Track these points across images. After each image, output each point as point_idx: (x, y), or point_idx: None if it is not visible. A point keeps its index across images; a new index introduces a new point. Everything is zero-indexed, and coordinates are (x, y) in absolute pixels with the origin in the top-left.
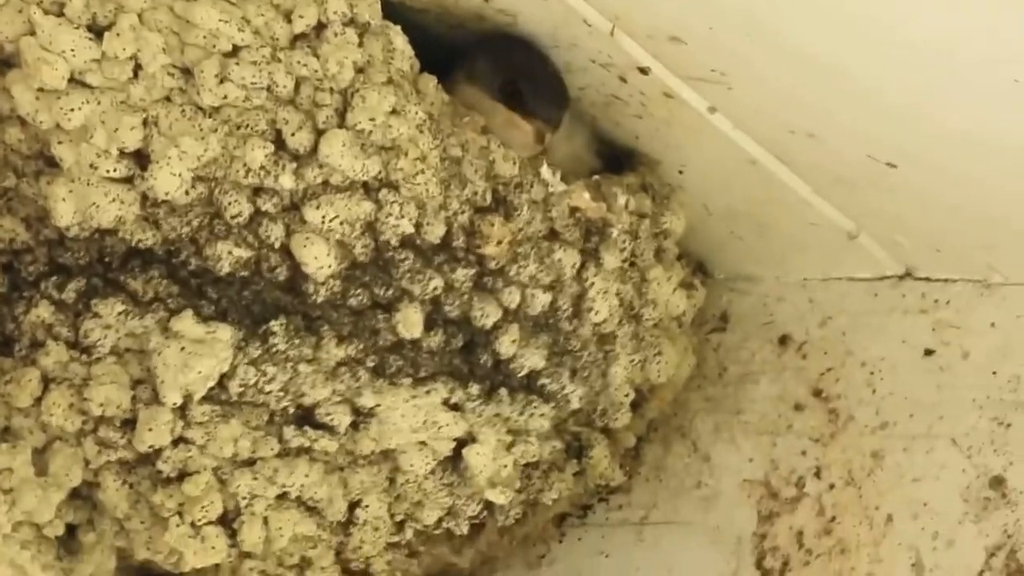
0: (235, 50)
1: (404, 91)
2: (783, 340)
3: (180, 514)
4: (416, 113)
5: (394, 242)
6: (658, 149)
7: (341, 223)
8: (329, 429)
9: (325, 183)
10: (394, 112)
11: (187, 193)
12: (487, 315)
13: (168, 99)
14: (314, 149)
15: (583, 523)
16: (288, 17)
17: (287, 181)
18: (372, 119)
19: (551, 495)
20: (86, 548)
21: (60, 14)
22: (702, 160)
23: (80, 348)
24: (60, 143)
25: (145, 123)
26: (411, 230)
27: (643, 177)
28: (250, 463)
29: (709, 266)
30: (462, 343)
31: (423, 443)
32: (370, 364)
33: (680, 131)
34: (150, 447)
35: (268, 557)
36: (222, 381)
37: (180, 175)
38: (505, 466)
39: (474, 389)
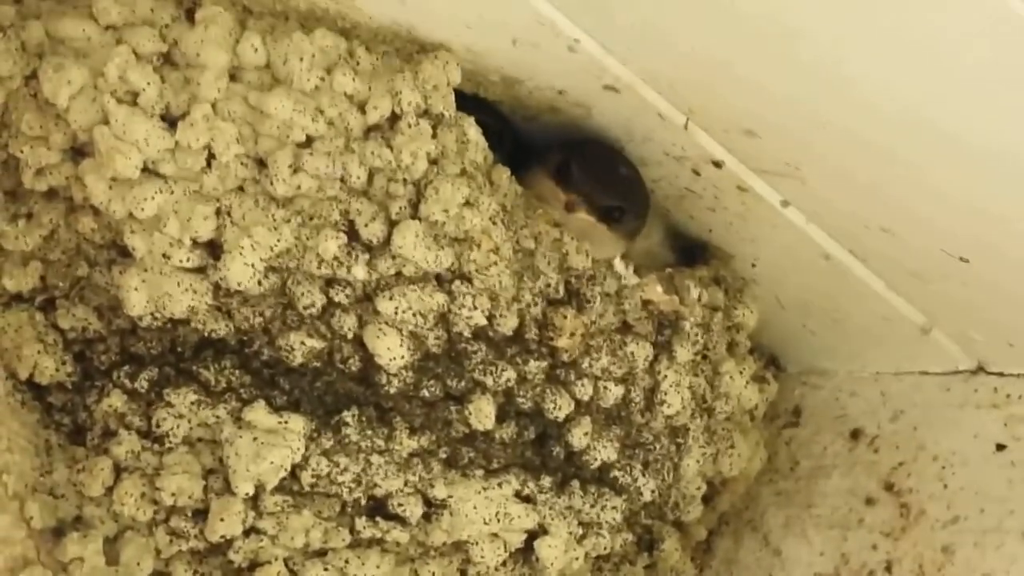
0: (308, 140)
1: (478, 183)
2: (855, 434)
3: None
4: (489, 205)
5: (467, 334)
6: (731, 242)
7: (414, 314)
8: (401, 520)
9: (398, 274)
10: (467, 204)
11: (260, 283)
12: (560, 407)
13: (241, 189)
14: (387, 240)
15: None
16: (362, 108)
17: (360, 272)
18: (446, 210)
19: None
20: None
21: (134, 103)
22: (775, 253)
23: (152, 437)
24: (133, 232)
25: (218, 213)
26: (484, 322)
27: (716, 270)
28: (321, 553)
29: (782, 360)
30: (534, 435)
31: (495, 535)
32: (442, 455)
33: (753, 224)
34: (222, 537)
35: None
36: (294, 472)
37: (253, 265)
38: (577, 559)
39: (546, 481)
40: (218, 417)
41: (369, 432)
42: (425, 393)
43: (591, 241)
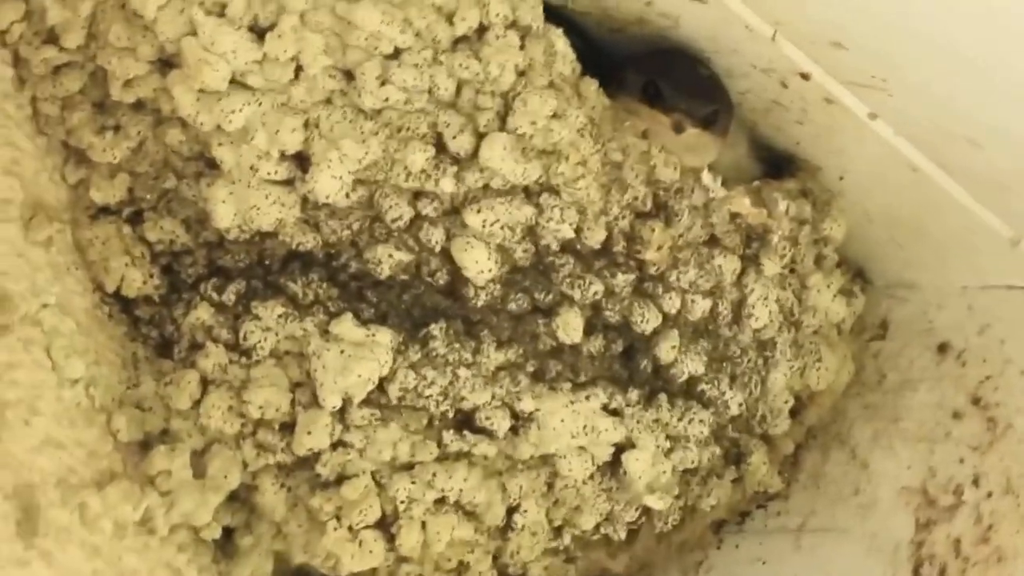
0: (396, 52)
1: (565, 95)
2: (942, 348)
3: (338, 518)
4: (577, 117)
5: (555, 247)
6: (819, 155)
7: (502, 227)
8: (488, 434)
9: (486, 187)
10: (555, 116)
11: (347, 196)
12: (647, 320)
13: (329, 101)
14: (475, 153)
15: (740, 530)
16: (450, 19)
17: (448, 185)
18: (533, 123)
19: (709, 501)
20: (243, 552)
21: (222, 15)
22: (863, 166)
23: (239, 351)
24: (220, 145)
25: (306, 125)
26: (572, 235)
27: (804, 183)
28: (409, 467)
29: (869, 273)
30: (622, 348)
31: (582, 448)
32: (530, 369)
33: (841, 137)
34: (309, 451)
35: (426, 562)
36: (381, 385)
37: (341, 178)
38: (664, 472)
39: (633, 395)
40: (305, 330)
41: (456, 345)
42: (512, 306)
43: (695, 152)
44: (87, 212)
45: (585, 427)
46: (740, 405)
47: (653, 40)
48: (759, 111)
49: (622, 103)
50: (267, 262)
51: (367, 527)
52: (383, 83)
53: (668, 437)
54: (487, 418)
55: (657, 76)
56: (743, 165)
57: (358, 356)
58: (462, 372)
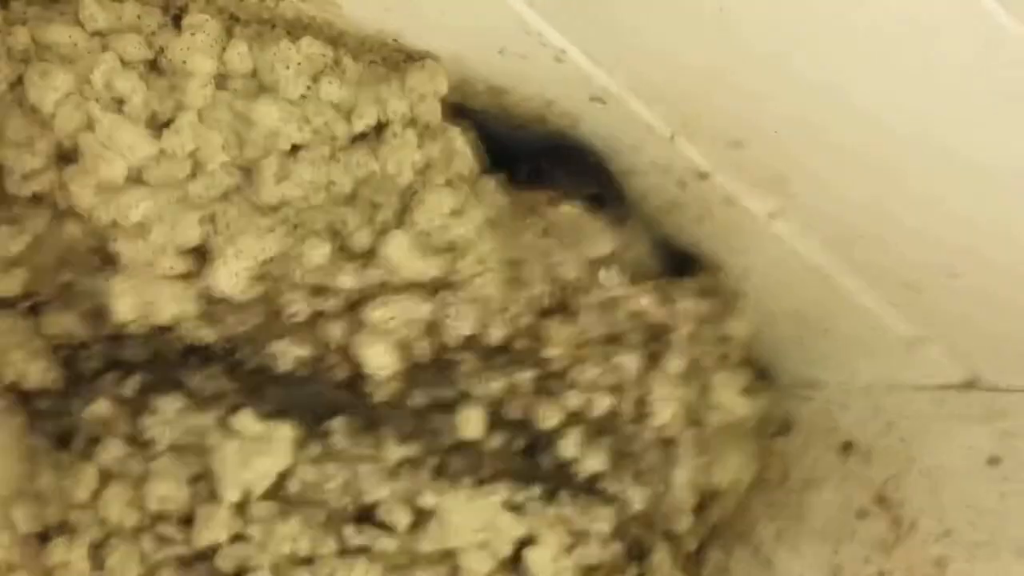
0: (294, 149)
1: (464, 192)
2: (846, 446)
3: None
4: (476, 214)
5: (454, 344)
6: (721, 254)
7: (401, 324)
8: (388, 528)
9: (384, 284)
10: (454, 213)
11: (245, 291)
12: (549, 417)
13: (227, 197)
14: (374, 249)
15: None
16: (348, 117)
17: (347, 281)
18: (432, 220)
19: None
20: None
21: (119, 110)
22: (765, 265)
23: (139, 443)
24: (118, 240)
25: (204, 220)
26: (472, 332)
27: (707, 282)
28: (308, 561)
29: (773, 371)
30: (524, 445)
31: (484, 543)
32: (431, 464)
33: (742, 236)
34: (207, 544)
35: None
36: (281, 479)
37: (238, 274)
38: (566, 568)
39: (535, 490)
40: (205, 424)
41: (357, 440)
42: (413, 402)
43: (581, 237)
44: None
45: (487, 523)
46: (643, 502)
47: (554, 138)
48: (661, 209)
49: (514, 195)
50: (166, 355)
51: None
52: (281, 179)
53: (570, 533)
54: (387, 513)
55: (543, 160)
56: (645, 264)
57: (258, 450)
58: (362, 467)
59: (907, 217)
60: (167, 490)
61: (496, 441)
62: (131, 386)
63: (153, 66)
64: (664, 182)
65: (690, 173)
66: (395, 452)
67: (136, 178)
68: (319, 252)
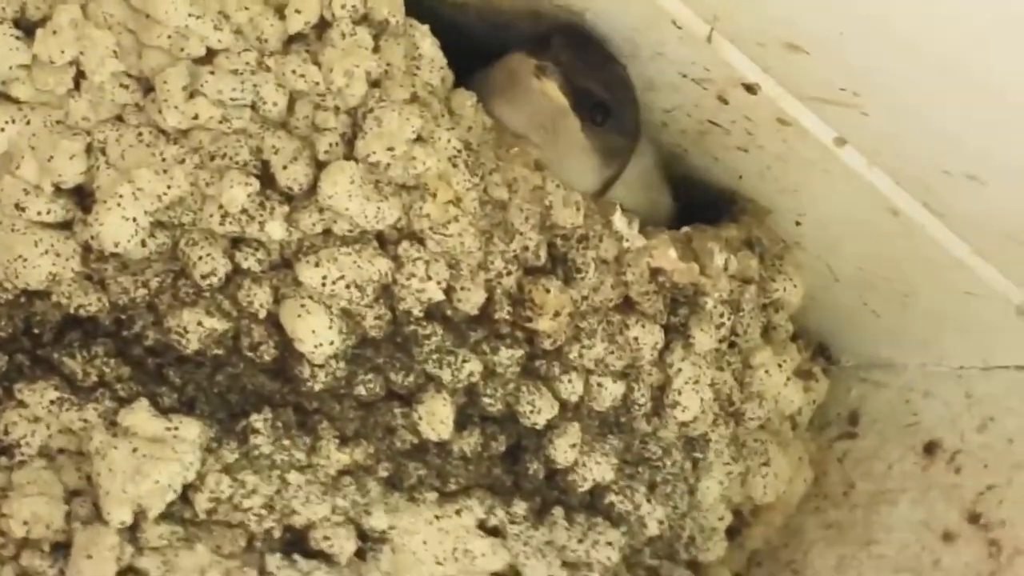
0: (210, 55)
1: (433, 112)
2: (929, 448)
3: None
4: (449, 141)
5: (417, 312)
6: (769, 193)
7: (347, 286)
8: (327, 558)
9: (327, 233)
10: (419, 139)
11: (144, 244)
12: (538, 411)
13: (120, 119)
14: (313, 188)
15: None
16: (280, 12)
17: (276, 230)
18: (390, 148)
19: None
20: None
21: None
22: (827, 208)
23: None
24: None
25: (89, 150)
26: (440, 296)
27: (748, 230)
28: None
29: (834, 350)
30: (505, 447)
31: None
32: (383, 473)
33: (798, 169)
34: None
35: None
36: (186, 494)
37: (135, 220)
38: None
39: (519, 508)
40: (86, 421)
41: (286, 442)
42: (361, 391)
43: (557, 148)
44: None
45: (455, 550)
46: (661, 523)
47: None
48: (690, 134)
49: (506, 63)
50: (36, 331)
51: None
52: (191, 95)
53: (565, 564)
54: (325, 538)
55: (560, 33)
56: (662, 207)
57: (155, 456)
58: (293, 477)
59: (1012, 147)
60: (36, 509)
61: (469, 442)
62: None
63: None
64: (697, 97)
65: (731, 85)
66: (336, 457)
67: (1, 94)
68: (242, 191)
